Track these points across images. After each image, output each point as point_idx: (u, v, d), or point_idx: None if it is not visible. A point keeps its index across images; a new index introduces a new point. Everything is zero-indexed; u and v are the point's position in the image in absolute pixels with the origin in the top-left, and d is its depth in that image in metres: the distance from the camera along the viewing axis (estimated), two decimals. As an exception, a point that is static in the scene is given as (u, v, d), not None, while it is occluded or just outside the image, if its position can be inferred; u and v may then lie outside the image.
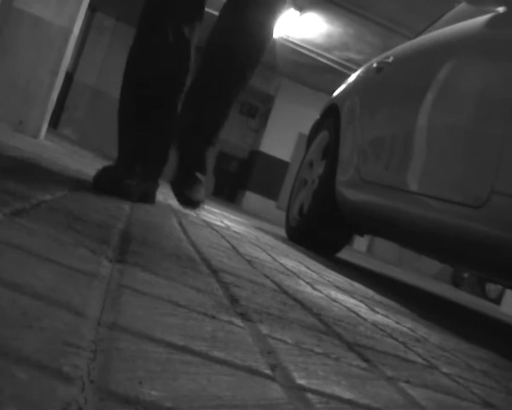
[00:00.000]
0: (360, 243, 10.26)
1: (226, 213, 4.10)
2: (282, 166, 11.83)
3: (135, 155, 1.87)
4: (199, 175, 2.04)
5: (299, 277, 1.42)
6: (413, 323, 1.37)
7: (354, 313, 1.14)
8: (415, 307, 1.93)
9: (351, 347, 0.77)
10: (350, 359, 0.69)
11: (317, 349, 0.67)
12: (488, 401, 0.77)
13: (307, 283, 1.36)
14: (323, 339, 0.75)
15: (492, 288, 10.16)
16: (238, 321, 0.66)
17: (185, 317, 0.59)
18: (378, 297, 1.68)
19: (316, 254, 2.84)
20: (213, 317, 0.64)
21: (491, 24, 2.13)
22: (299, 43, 9.59)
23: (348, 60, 9.54)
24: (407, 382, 0.68)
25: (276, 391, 0.47)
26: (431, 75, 2.31)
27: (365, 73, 3.25)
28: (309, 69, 10.68)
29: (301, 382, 0.51)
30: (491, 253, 1.87)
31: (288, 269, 1.51)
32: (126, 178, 1.75)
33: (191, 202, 1.98)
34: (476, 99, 2.04)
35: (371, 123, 2.86)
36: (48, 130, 4.40)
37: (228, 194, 12.81)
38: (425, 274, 9.66)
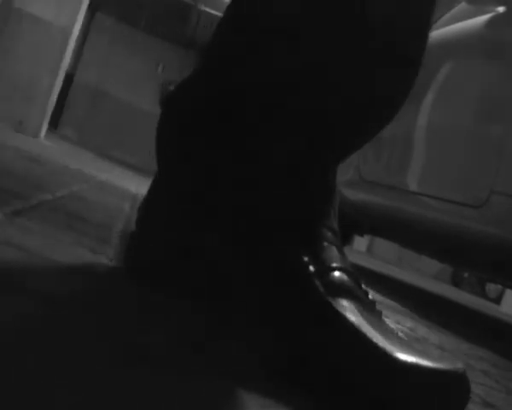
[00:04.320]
0: (360, 242, 10.26)
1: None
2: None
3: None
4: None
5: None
6: (413, 323, 1.37)
7: (354, 312, 1.14)
8: (415, 307, 1.93)
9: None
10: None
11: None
12: (488, 400, 0.77)
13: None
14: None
15: (492, 288, 10.16)
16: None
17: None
18: (378, 297, 1.67)
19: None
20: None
21: (491, 24, 2.13)
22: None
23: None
24: (407, 382, 0.68)
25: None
26: (431, 75, 2.31)
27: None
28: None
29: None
30: (491, 253, 1.87)
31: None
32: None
33: None
34: (476, 99, 2.04)
35: (371, 123, 2.85)
36: (48, 130, 4.40)
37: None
38: (425, 274, 9.66)
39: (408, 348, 0.51)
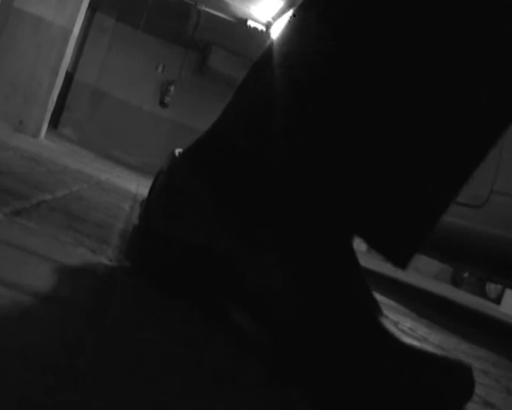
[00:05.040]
0: (360, 242, 10.25)
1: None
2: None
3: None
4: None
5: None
6: (413, 323, 1.37)
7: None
8: (415, 307, 1.93)
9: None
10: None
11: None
12: (488, 400, 0.77)
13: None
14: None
15: (492, 288, 10.16)
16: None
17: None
18: (378, 297, 1.67)
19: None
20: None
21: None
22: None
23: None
24: (407, 381, 0.68)
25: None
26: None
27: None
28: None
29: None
30: (491, 253, 1.87)
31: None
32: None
33: None
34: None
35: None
36: (48, 129, 4.40)
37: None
38: (425, 274, 9.66)
39: (412, 339, 0.51)
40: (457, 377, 0.49)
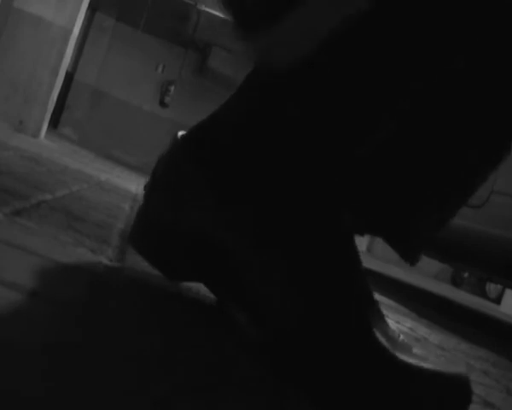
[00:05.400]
0: (360, 242, 10.26)
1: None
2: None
3: None
4: None
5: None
6: (413, 323, 1.37)
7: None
8: (415, 307, 1.93)
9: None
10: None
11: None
12: (488, 400, 0.77)
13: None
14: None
15: (492, 288, 10.16)
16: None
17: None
18: (378, 297, 1.68)
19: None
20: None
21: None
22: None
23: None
24: (407, 381, 0.68)
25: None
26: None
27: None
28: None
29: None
30: (491, 253, 1.87)
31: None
32: None
33: None
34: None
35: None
36: (48, 129, 4.40)
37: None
38: (425, 274, 9.66)
39: (410, 352, 0.51)
40: (454, 391, 0.49)
